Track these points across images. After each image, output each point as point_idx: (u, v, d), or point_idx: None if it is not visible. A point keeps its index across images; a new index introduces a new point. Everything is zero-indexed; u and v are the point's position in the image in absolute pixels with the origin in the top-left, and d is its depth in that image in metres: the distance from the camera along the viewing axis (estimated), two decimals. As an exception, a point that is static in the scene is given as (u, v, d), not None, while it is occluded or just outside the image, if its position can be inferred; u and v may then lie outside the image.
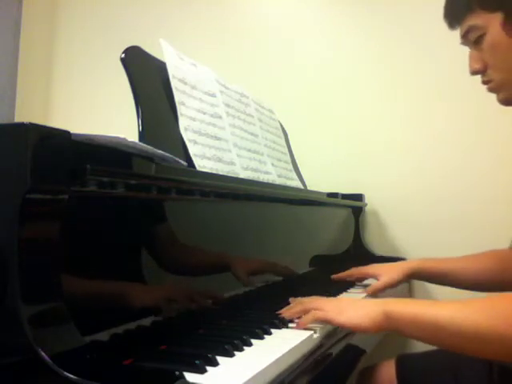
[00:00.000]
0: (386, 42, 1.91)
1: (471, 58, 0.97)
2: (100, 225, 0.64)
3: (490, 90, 0.97)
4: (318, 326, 0.81)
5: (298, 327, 0.81)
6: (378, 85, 1.91)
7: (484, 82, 0.97)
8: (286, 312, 0.86)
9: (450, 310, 0.74)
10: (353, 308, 0.81)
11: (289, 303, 0.92)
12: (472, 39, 0.95)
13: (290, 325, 0.84)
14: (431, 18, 1.84)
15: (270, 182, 1.26)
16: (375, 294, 1.17)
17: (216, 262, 0.91)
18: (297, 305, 0.87)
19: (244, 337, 0.70)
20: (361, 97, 1.93)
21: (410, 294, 1.74)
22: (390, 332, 0.81)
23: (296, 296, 0.96)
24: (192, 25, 2.14)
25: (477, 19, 0.92)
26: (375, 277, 1.22)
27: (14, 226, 0.51)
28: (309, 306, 0.84)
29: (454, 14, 0.97)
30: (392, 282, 1.18)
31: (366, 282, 1.28)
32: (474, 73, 0.97)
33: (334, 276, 1.28)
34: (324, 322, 0.81)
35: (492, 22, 0.91)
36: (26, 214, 0.51)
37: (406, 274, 1.20)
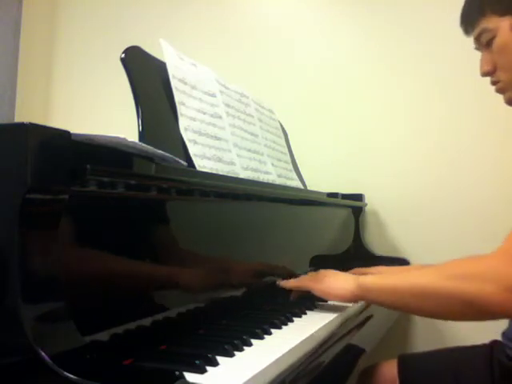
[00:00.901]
0: (385, 42, 1.91)
1: (483, 60, 1.02)
2: (100, 225, 0.64)
3: (498, 90, 1.02)
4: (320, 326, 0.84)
5: (282, 283, 1.05)
6: (377, 85, 1.91)
7: (493, 83, 1.02)
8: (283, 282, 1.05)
9: (406, 276, 0.90)
10: (332, 279, 0.98)
11: (290, 304, 0.95)
12: (484, 42, 0.99)
13: (291, 325, 0.84)
14: (431, 18, 1.85)
15: (270, 182, 1.26)
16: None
17: (216, 262, 0.91)
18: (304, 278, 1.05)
19: (244, 337, 0.70)
20: (361, 97, 1.93)
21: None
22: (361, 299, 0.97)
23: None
24: (192, 25, 2.14)
25: (488, 23, 0.97)
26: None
27: (14, 226, 0.51)
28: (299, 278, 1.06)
29: (468, 19, 1.02)
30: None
31: None
32: (484, 74, 1.02)
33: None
34: (305, 288, 1.00)
35: (501, 26, 0.96)
36: (26, 213, 0.51)
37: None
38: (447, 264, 0.84)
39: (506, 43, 0.96)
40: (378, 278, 0.94)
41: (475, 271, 0.79)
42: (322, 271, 1.03)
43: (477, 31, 1.00)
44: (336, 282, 0.97)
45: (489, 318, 0.80)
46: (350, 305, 1.05)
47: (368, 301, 0.96)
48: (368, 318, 1.07)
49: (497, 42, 0.97)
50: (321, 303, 1.04)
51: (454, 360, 1.11)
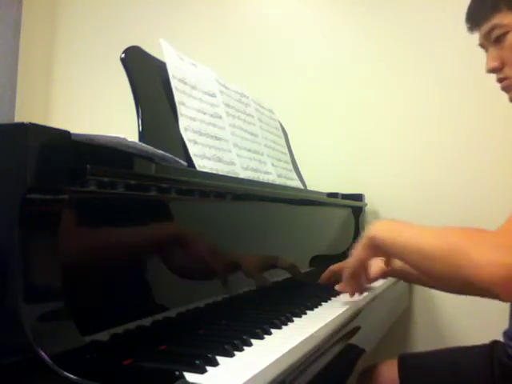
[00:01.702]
0: (385, 42, 1.91)
1: (490, 56, 1.01)
2: (100, 225, 0.64)
3: (504, 87, 1.02)
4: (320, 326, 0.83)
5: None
6: (377, 85, 1.91)
7: (499, 80, 1.01)
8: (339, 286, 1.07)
9: (417, 233, 0.88)
10: (356, 248, 0.99)
11: (290, 304, 0.94)
12: (494, 38, 0.98)
13: (291, 325, 0.84)
14: (431, 18, 1.85)
15: (270, 182, 1.26)
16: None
17: (216, 261, 0.91)
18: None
19: (244, 337, 0.70)
20: (361, 97, 1.93)
21: (409, 293, 1.75)
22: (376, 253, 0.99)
23: (296, 296, 0.96)
24: (192, 25, 2.14)
25: (502, 18, 0.96)
26: None
27: (14, 226, 0.51)
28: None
29: (478, 14, 1.01)
30: (371, 280, 1.20)
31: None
32: (490, 70, 1.01)
33: (320, 280, 1.27)
34: (348, 275, 1.02)
35: None
36: (26, 214, 0.51)
37: (386, 272, 1.21)
38: (453, 230, 0.83)
39: None
40: (389, 230, 0.94)
41: (474, 247, 0.75)
42: None
43: (487, 27, 0.99)
44: (355, 248, 0.99)
45: (483, 294, 0.79)
46: (357, 298, 1.06)
47: (381, 252, 0.98)
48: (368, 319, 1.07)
49: (510, 38, 0.96)
50: (322, 304, 1.04)
51: (455, 360, 1.11)
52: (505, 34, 0.96)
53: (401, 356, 1.16)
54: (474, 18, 1.02)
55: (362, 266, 1.01)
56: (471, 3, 1.04)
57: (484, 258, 0.71)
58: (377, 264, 1.23)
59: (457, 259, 0.75)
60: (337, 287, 1.09)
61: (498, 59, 0.99)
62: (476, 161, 1.76)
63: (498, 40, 0.98)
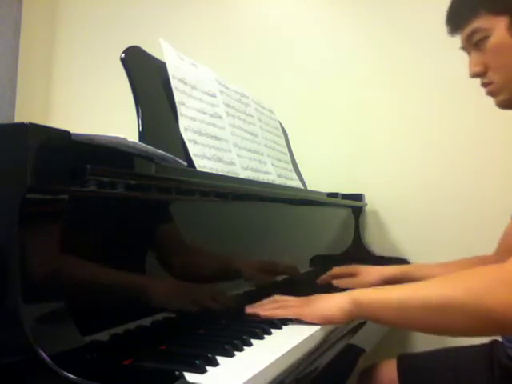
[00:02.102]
0: (385, 42, 1.91)
1: (472, 60, 0.99)
2: (100, 225, 0.64)
3: (489, 92, 0.98)
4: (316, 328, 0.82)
5: (260, 311, 0.85)
6: (377, 85, 1.91)
7: (484, 85, 0.99)
8: (254, 308, 0.88)
9: (413, 287, 0.77)
10: (323, 301, 0.85)
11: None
12: (474, 41, 0.97)
13: (291, 324, 0.84)
14: (431, 18, 1.85)
15: (270, 182, 1.26)
16: (342, 286, 1.18)
17: (216, 261, 0.91)
18: (270, 302, 0.89)
19: (244, 337, 0.70)
20: (361, 97, 1.93)
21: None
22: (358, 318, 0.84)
23: (296, 296, 0.96)
24: (192, 25, 2.14)
25: (482, 22, 0.95)
26: (353, 275, 1.22)
27: (14, 226, 0.51)
28: (282, 304, 0.88)
29: (458, 18, 1.00)
30: (365, 284, 1.18)
31: None
32: (473, 75, 0.99)
33: (320, 279, 1.27)
34: (296, 317, 0.85)
35: (497, 25, 0.93)
36: (26, 213, 0.51)
37: (384, 278, 1.19)
38: (457, 274, 0.76)
39: (501, 44, 0.93)
40: (378, 292, 0.83)
41: (501, 279, 0.70)
42: (308, 297, 0.90)
43: (467, 31, 0.97)
44: (326, 302, 0.84)
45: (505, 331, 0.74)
46: None
47: (366, 317, 0.85)
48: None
49: (491, 42, 0.94)
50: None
51: (454, 360, 1.11)
52: (485, 38, 0.94)
53: (400, 356, 1.16)
54: (454, 22, 1.01)
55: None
56: (451, 6, 1.02)
57: (505, 289, 0.67)
58: (375, 270, 1.23)
59: (477, 304, 0.68)
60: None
61: (481, 64, 0.97)
62: (476, 161, 1.76)
63: (479, 44, 0.96)
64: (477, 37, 0.96)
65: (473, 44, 0.97)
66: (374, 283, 1.18)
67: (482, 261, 1.15)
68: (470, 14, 0.96)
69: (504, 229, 1.19)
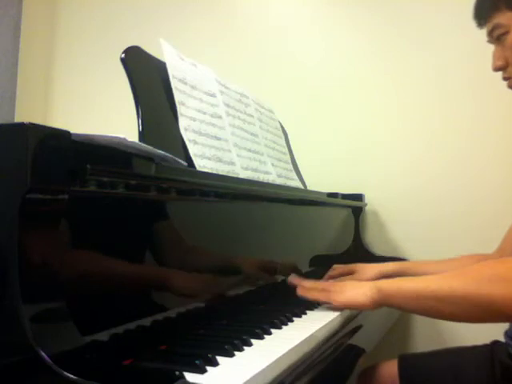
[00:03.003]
0: (385, 42, 1.91)
1: (495, 55, 1.02)
2: (100, 225, 0.64)
3: (510, 86, 1.02)
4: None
5: (299, 291, 0.97)
6: (377, 84, 1.91)
7: (504, 79, 1.02)
8: (296, 280, 1.01)
9: (427, 279, 0.86)
10: (352, 289, 0.93)
11: (291, 304, 0.93)
12: (495, 36, 0.99)
13: (291, 324, 0.84)
14: (431, 17, 1.85)
15: (270, 182, 1.26)
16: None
17: (216, 262, 0.91)
18: (316, 287, 0.99)
19: (244, 337, 0.70)
20: (361, 96, 1.93)
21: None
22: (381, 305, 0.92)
23: (296, 296, 0.96)
24: (192, 25, 2.14)
25: (502, 18, 0.97)
26: (351, 273, 1.23)
27: (14, 226, 0.51)
28: (315, 286, 0.99)
29: (481, 13, 1.02)
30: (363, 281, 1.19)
31: None
32: (496, 69, 1.02)
33: (323, 278, 1.27)
34: (325, 302, 0.96)
35: None
36: (26, 214, 0.51)
37: (382, 275, 1.21)
38: (471, 268, 0.83)
39: None
40: (398, 282, 0.91)
41: (502, 274, 0.77)
42: (339, 281, 1.02)
43: (490, 26, 0.99)
44: (355, 290, 0.92)
45: (508, 320, 0.82)
46: None
47: (388, 306, 0.92)
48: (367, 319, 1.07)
49: (510, 38, 0.96)
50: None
51: (455, 360, 1.11)
52: (505, 33, 0.97)
53: (401, 356, 1.16)
54: (478, 17, 1.03)
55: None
56: (476, 1, 1.04)
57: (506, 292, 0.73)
58: (373, 267, 1.24)
59: (480, 296, 0.76)
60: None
61: (503, 58, 0.99)
62: (476, 161, 1.76)
63: (501, 39, 0.98)
64: (497, 32, 0.98)
65: (495, 38, 1.00)
66: (371, 280, 1.18)
67: (485, 259, 1.15)
68: (491, 10, 0.99)
69: (510, 227, 1.19)
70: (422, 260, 1.29)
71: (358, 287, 0.92)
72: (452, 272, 0.84)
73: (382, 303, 0.90)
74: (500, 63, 1.00)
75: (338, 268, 1.29)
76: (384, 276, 1.21)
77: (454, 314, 0.81)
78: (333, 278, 1.25)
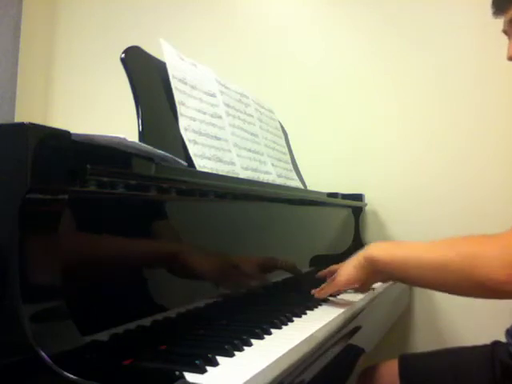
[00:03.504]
0: (385, 42, 1.91)
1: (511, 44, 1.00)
2: (100, 225, 0.64)
3: None
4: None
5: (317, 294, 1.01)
6: (378, 84, 1.91)
7: None
8: (318, 292, 1.01)
9: (419, 247, 0.87)
10: (343, 267, 0.96)
11: (291, 304, 0.94)
12: None
13: (291, 324, 0.84)
14: (431, 17, 1.85)
15: (270, 182, 1.26)
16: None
17: (216, 262, 0.91)
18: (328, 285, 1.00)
19: (244, 337, 0.70)
20: (361, 96, 1.93)
21: (410, 293, 1.75)
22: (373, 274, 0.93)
23: (297, 296, 0.96)
24: (192, 25, 2.14)
25: None
26: None
27: (14, 226, 0.51)
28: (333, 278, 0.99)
29: (503, 1, 0.99)
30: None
31: None
32: (511, 58, 1.00)
33: (319, 274, 1.27)
34: (335, 291, 1.00)
35: None
36: (26, 214, 0.51)
37: None
38: (459, 239, 0.85)
39: None
40: (386, 248, 0.91)
41: (485, 250, 0.77)
42: (338, 266, 1.01)
43: (509, 16, 0.97)
44: (346, 266, 0.94)
45: (495, 295, 0.79)
46: (357, 299, 1.05)
47: (378, 272, 0.92)
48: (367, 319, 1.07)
49: None
50: (322, 303, 1.04)
51: (455, 360, 1.11)
52: None
53: (401, 356, 1.16)
54: (499, 4, 1.00)
55: (351, 287, 0.99)
56: None
57: (498, 260, 0.73)
58: None
59: (469, 266, 0.75)
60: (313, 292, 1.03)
61: None
62: (476, 161, 1.76)
63: None
64: None
65: None
66: None
67: None
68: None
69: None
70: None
71: (349, 262, 0.94)
72: (445, 240, 0.86)
73: (372, 271, 0.91)
74: None
75: (333, 268, 1.27)
76: None
77: (446, 285, 0.82)
78: (330, 273, 1.24)
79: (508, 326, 1.07)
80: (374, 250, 0.91)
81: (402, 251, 0.88)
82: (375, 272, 0.92)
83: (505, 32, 1.01)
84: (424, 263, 0.82)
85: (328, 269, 1.26)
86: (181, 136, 1.01)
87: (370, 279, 0.96)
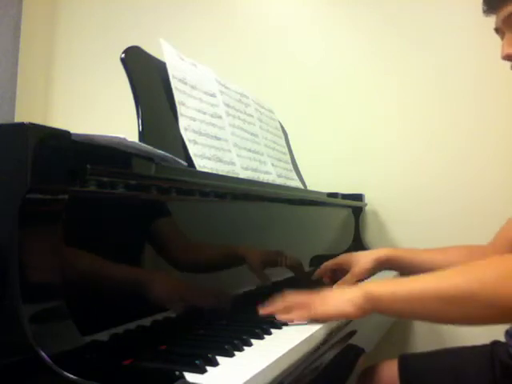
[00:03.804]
0: (385, 42, 1.91)
1: (507, 41, 0.97)
2: (100, 225, 0.64)
3: None
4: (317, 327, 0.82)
5: (281, 317, 0.82)
6: (378, 84, 1.91)
7: None
8: (265, 309, 0.85)
9: (427, 278, 0.77)
10: (336, 297, 0.83)
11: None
12: (510, 23, 0.94)
13: (291, 325, 0.84)
14: (431, 17, 1.85)
15: (270, 182, 1.26)
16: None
17: (216, 261, 0.91)
18: (279, 301, 0.86)
19: (244, 337, 0.70)
20: (361, 96, 1.93)
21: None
22: (372, 313, 0.82)
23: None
24: (192, 25, 2.14)
25: None
26: (347, 267, 1.20)
27: (14, 226, 0.51)
28: (293, 301, 0.85)
29: (493, 0, 0.97)
30: (364, 273, 1.16)
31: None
32: (506, 57, 0.97)
33: (315, 273, 1.26)
34: (312, 319, 0.83)
35: None
36: (26, 214, 0.51)
37: (379, 262, 1.17)
38: (470, 266, 0.76)
39: None
40: (390, 286, 0.80)
41: (501, 272, 0.71)
42: (320, 293, 0.86)
43: (505, 12, 0.94)
44: (339, 298, 0.81)
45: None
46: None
47: (380, 312, 0.81)
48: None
49: None
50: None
51: (455, 360, 1.11)
52: None
53: (401, 356, 1.16)
54: (492, 2, 0.98)
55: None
56: None
57: None
58: (365, 255, 1.21)
59: (491, 295, 0.70)
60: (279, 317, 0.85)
61: None
62: (476, 161, 1.76)
63: None
64: None
65: (509, 26, 0.95)
66: (368, 268, 1.16)
67: (480, 249, 1.16)
68: None
69: (505, 223, 1.19)
70: (416, 248, 1.26)
71: (342, 294, 0.82)
72: (456, 269, 0.76)
73: (372, 310, 0.79)
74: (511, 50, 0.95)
75: (329, 263, 1.24)
76: (379, 262, 1.18)
77: (462, 316, 0.74)
78: (326, 272, 1.24)
79: (507, 326, 1.07)
80: (374, 287, 0.81)
81: (407, 286, 0.78)
82: (373, 311, 0.80)
83: (496, 30, 0.99)
84: (444, 295, 0.73)
85: (323, 266, 1.25)
86: (181, 136, 1.01)
87: (362, 316, 0.82)
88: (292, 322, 0.82)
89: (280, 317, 0.83)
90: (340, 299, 0.81)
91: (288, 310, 0.84)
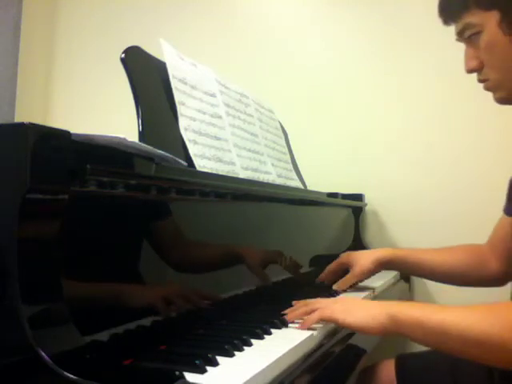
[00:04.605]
0: (385, 42, 1.91)
1: (467, 55, 0.95)
2: (100, 225, 0.64)
3: (487, 88, 0.96)
4: (318, 326, 0.81)
5: (302, 327, 0.81)
6: (377, 84, 1.91)
7: (480, 81, 0.96)
8: (290, 314, 0.86)
9: (455, 315, 0.75)
10: (359, 309, 0.82)
11: (291, 304, 0.92)
12: (467, 36, 0.93)
13: (291, 325, 0.84)
14: (431, 17, 1.85)
15: (270, 182, 1.26)
16: (344, 288, 1.17)
17: (217, 261, 0.91)
18: (301, 306, 0.87)
19: (244, 337, 0.70)
20: (361, 97, 1.93)
21: (410, 293, 1.74)
22: (393, 335, 0.81)
23: (296, 296, 0.96)
24: (192, 25, 2.14)
25: (473, 17, 0.91)
26: (348, 266, 1.21)
27: (14, 226, 0.51)
28: (313, 306, 0.85)
29: (449, 12, 0.95)
30: (365, 273, 1.17)
31: (361, 284, 1.26)
32: (469, 71, 0.95)
33: (319, 278, 1.26)
34: (330, 321, 0.82)
35: (488, 21, 0.89)
36: (26, 214, 0.51)
37: (380, 262, 1.18)
38: (496, 308, 0.75)
39: (494, 40, 0.89)
40: (413, 309, 0.79)
41: None
42: (342, 300, 0.91)
43: (460, 25, 0.93)
44: (364, 312, 0.80)
45: None
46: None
47: (400, 334, 0.80)
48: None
49: (484, 38, 0.90)
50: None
51: (453, 360, 1.10)
52: (477, 33, 0.90)
53: (398, 356, 1.16)
54: (446, 15, 0.96)
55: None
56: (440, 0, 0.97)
57: None
58: (367, 255, 1.22)
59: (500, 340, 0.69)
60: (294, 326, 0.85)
61: (476, 59, 0.93)
62: (476, 161, 1.76)
63: (473, 39, 0.92)
64: (469, 32, 0.92)
65: (466, 39, 0.94)
66: (369, 269, 1.17)
67: (478, 249, 1.18)
68: (460, 9, 0.92)
69: (498, 221, 1.20)
70: (416, 248, 1.26)
71: (366, 309, 0.81)
72: (482, 309, 0.75)
73: (394, 332, 0.78)
74: (474, 64, 0.93)
75: (331, 266, 1.25)
76: (380, 263, 1.18)
77: (483, 357, 0.74)
78: (328, 276, 1.24)
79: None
80: (399, 308, 0.79)
81: (435, 317, 0.75)
82: (394, 332, 0.79)
83: (458, 41, 0.97)
84: (461, 334, 0.72)
85: (326, 270, 1.26)
86: (181, 136, 1.01)
87: (383, 334, 0.83)
88: (312, 320, 0.82)
89: (303, 323, 0.82)
90: (364, 313, 0.80)
91: (309, 314, 0.84)
